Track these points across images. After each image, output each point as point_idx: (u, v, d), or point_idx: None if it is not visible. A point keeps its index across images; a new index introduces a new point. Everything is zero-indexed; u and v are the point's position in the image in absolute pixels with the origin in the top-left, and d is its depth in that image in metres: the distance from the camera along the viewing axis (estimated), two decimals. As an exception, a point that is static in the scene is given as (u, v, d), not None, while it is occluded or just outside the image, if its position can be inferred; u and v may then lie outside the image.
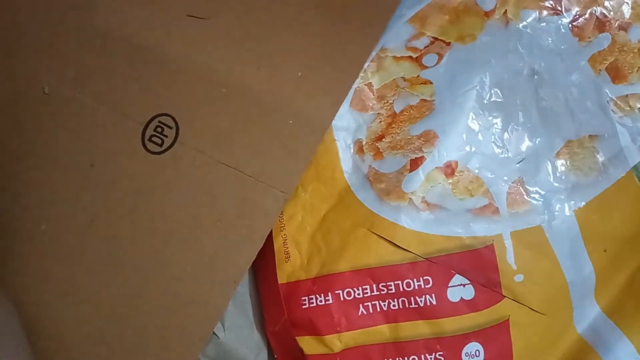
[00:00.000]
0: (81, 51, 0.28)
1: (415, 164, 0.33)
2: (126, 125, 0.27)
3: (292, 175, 0.28)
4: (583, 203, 0.33)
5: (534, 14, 0.34)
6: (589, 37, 0.34)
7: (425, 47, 0.34)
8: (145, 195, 0.26)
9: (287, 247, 0.33)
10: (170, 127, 0.27)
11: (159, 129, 0.27)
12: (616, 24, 0.34)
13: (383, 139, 0.34)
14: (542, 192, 0.33)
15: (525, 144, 0.33)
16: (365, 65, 0.34)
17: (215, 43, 0.29)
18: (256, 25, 0.29)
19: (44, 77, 0.27)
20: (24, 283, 0.26)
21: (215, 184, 0.27)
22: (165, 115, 0.27)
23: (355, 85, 0.34)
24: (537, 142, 0.33)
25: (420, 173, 0.33)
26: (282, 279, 0.33)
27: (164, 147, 0.27)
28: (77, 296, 0.26)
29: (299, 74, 0.28)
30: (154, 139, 0.27)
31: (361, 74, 0.34)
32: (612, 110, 0.33)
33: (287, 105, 0.28)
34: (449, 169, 0.33)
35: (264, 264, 0.33)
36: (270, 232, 0.33)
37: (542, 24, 0.34)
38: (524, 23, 0.34)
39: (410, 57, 0.34)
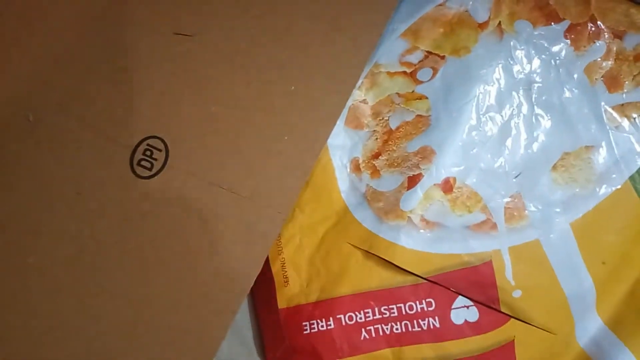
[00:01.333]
0: (65, 75, 0.27)
1: (412, 181, 0.32)
2: (113, 150, 0.26)
3: (289, 195, 0.27)
4: (580, 215, 0.32)
5: (528, 25, 0.34)
6: (584, 46, 0.33)
7: (419, 62, 0.33)
8: (134, 223, 0.25)
9: (286, 271, 0.32)
10: (160, 150, 0.26)
11: (147, 152, 0.26)
12: (611, 32, 0.34)
13: (380, 157, 0.33)
14: (539, 207, 0.32)
15: (522, 157, 0.33)
16: (359, 82, 0.34)
17: (203, 60, 0.28)
18: (245, 40, 0.28)
19: (27, 104, 0.26)
20: (10, 319, 0.24)
21: (208, 208, 0.26)
22: (154, 137, 0.26)
23: (349, 103, 0.33)
24: (533, 155, 0.33)
25: (419, 191, 0.32)
26: (281, 303, 0.32)
27: (154, 171, 0.26)
28: (66, 331, 0.24)
29: (292, 88, 0.27)
30: (142, 163, 0.26)
31: (355, 91, 0.33)
32: (608, 120, 0.33)
33: (280, 121, 0.27)
34: (447, 185, 0.32)
35: (262, 288, 0.32)
36: (268, 256, 0.32)
37: (536, 35, 0.33)
38: (519, 34, 0.33)
39: (405, 72, 0.34)
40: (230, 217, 0.26)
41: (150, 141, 0.26)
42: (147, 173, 0.26)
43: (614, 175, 0.32)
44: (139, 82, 0.27)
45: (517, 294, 0.31)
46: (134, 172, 0.26)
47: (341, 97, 0.28)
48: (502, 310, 0.31)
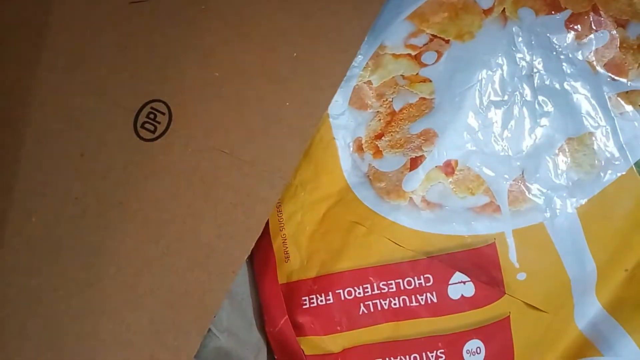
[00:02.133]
0: (71, 40, 0.27)
1: (415, 163, 0.32)
2: (117, 113, 0.26)
3: (290, 160, 0.27)
4: (585, 200, 0.32)
5: (531, 13, 0.34)
6: (586, 35, 0.34)
7: (424, 45, 0.34)
8: (137, 185, 0.25)
9: (287, 247, 0.32)
10: (163, 113, 0.27)
11: (151, 116, 0.26)
12: (613, 21, 0.34)
13: (382, 138, 0.33)
14: (544, 190, 0.32)
15: (526, 142, 0.33)
16: (364, 63, 0.34)
17: (208, 27, 0.28)
18: (249, 7, 0.28)
19: (33, 67, 0.27)
20: (12, 278, 0.25)
21: (210, 171, 0.26)
22: (158, 101, 0.27)
23: (354, 83, 0.34)
24: (537, 139, 0.33)
25: (421, 172, 0.32)
26: (282, 279, 0.32)
27: (157, 134, 0.26)
28: (69, 290, 0.24)
29: (294, 54, 0.27)
30: (146, 125, 0.26)
31: (360, 72, 0.34)
32: (613, 107, 0.33)
33: (282, 88, 0.27)
34: (449, 168, 0.32)
35: (263, 264, 0.33)
36: (270, 232, 0.33)
37: (539, 23, 0.34)
38: (522, 21, 0.33)
39: (409, 54, 0.34)
40: (231, 180, 0.26)
41: (154, 104, 0.27)
42: (150, 136, 0.26)
43: (618, 162, 0.33)
44: (143, 47, 0.27)
45: (521, 276, 0.32)
46: (137, 134, 0.26)
47: (342, 65, 0.29)
48: (507, 292, 0.31)
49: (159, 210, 0.25)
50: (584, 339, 0.32)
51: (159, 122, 0.26)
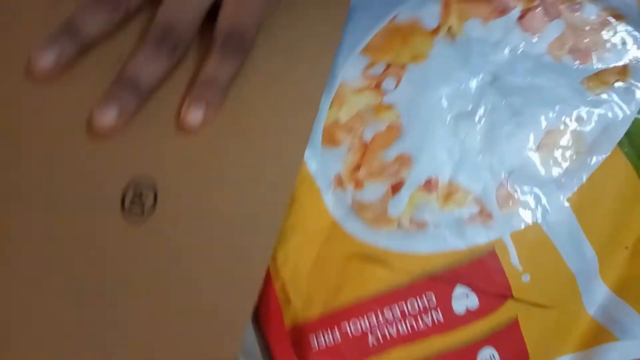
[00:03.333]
0: (44, 136, 0.28)
1: (396, 188, 0.33)
2: (103, 197, 0.27)
3: (276, 213, 0.29)
4: (575, 189, 0.33)
5: (479, 22, 0.35)
6: (542, 27, 0.35)
7: (382, 74, 0.35)
8: (137, 264, 0.26)
9: (287, 291, 0.33)
10: (149, 191, 0.27)
11: (137, 196, 0.27)
12: (567, 7, 0.35)
13: (360, 169, 0.34)
14: (532, 189, 0.33)
15: (504, 145, 0.33)
16: (329, 102, 0.35)
17: (178, 93, 0.29)
18: None
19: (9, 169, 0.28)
20: None
21: (203, 236, 0.27)
22: (141, 178, 0.28)
23: (323, 124, 0.35)
24: (514, 140, 0.33)
25: (403, 195, 0.32)
26: (287, 323, 0.32)
27: (145, 213, 0.27)
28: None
29: (261, 116, 0.29)
30: (133, 207, 0.27)
31: (327, 112, 0.35)
32: (585, 91, 0.34)
33: (257, 145, 0.29)
34: (431, 186, 0.33)
35: (266, 312, 0.33)
36: (269, 280, 0.33)
37: (490, 30, 0.35)
38: (471, 34, 0.35)
39: (370, 85, 0.35)
40: (224, 242, 0.27)
41: (137, 181, 0.28)
42: (138, 213, 0.27)
43: (601, 144, 0.33)
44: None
45: (526, 278, 0.31)
46: (125, 215, 0.27)
47: (309, 116, 0.30)
48: (515, 296, 0.31)
49: (157, 284, 0.26)
50: (597, 325, 0.31)
51: (144, 201, 0.27)
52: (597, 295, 0.32)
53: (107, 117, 0.28)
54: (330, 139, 0.35)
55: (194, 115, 0.29)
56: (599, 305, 0.32)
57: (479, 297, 0.31)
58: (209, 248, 0.28)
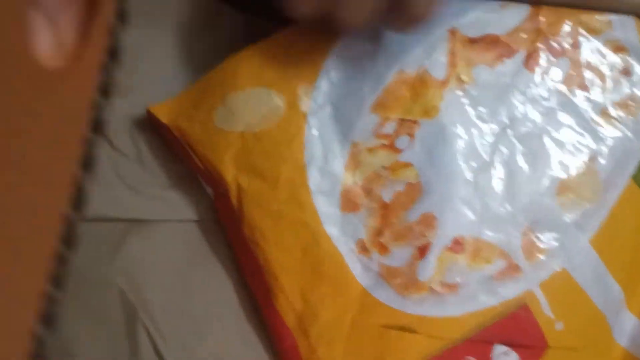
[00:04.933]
0: None
1: (423, 251, 0.32)
2: None
3: None
4: (596, 229, 0.33)
5: (486, 69, 0.34)
6: (549, 67, 0.34)
7: (394, 131, 0.34)
8: None
9: None
10: None
11: None
12: (570, 44, 0.34)
13: (383, 233, 0.33)
14: (555, 235, 0.33)
15: (523, 193, 0.33)
16: (344, 163, 0.34)
17: None
18: None
19: None
20: None
21: None
22: None
23: (339, 189, 0.34)
24: (533, 187, 0.33)
25: (431, 258, 0.32)
26: None
27: None
28: None
29: None
30: None
31: (343, 175, 0.34)
32: (596, 125, 0.34)
33: None
34: (459, 245, 0.32)
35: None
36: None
37: (498, 75, 0.34)
38: (479, 80, 0.34)
39: (383, 144, 0.34)
40: None
41: None
42: None
43: (617, 179, 0.33)
44: None
45: (559, 326, 0.32)
46: None
47: None
48: (550, 345, 0.31)
49: None
50: (629, 354, 0.32)
51: None
52: (626, 325, 0.33)
53: None
54: (348, 204, 0.34)
55: None
56: (629, 336, 0.33)
57: (518, 352, 0.31)
58: None
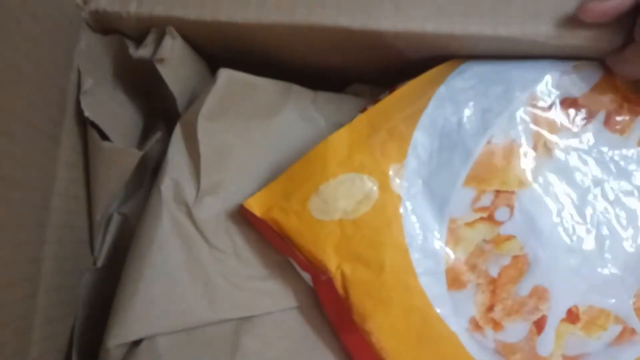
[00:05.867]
0: None
1: (539, 325, 0.32)
2: None
3: None
4: None
5: (569, 132, 0.34)
6: (628, 126, 0.34)
7: (492, 203, 0.34)
8: None
9: None
10: None
11: None
12: None
13: (495, 308, 0.33)
14: None
15: (628, 254, 0.33)
16: (443, 245, 0.34)
17: None
18: None
19: None
20: None
21: None
22: None
23: (443, 268, 0.33)
24: (635, 247, 0.33)
25: (550, 332, 0.32)
26: None
27: None
28: None
29: None
30: None
31: (445, 253, 0.34)
32: None
33: None
34: (573, 315, 0.32)
35: None
36: None
37: (581, 138, 0.34)
38: (565, 145, 0.34)
39: (482, 217, 0.34)
40: None
41: None
42: None
43: None
44: None
45: None
46: None
47: None
48: None
49: None
50: None
51: None
52: None
53: None
54: (455, 282, 0.33)
55: None
56: None
57: None
58: None
